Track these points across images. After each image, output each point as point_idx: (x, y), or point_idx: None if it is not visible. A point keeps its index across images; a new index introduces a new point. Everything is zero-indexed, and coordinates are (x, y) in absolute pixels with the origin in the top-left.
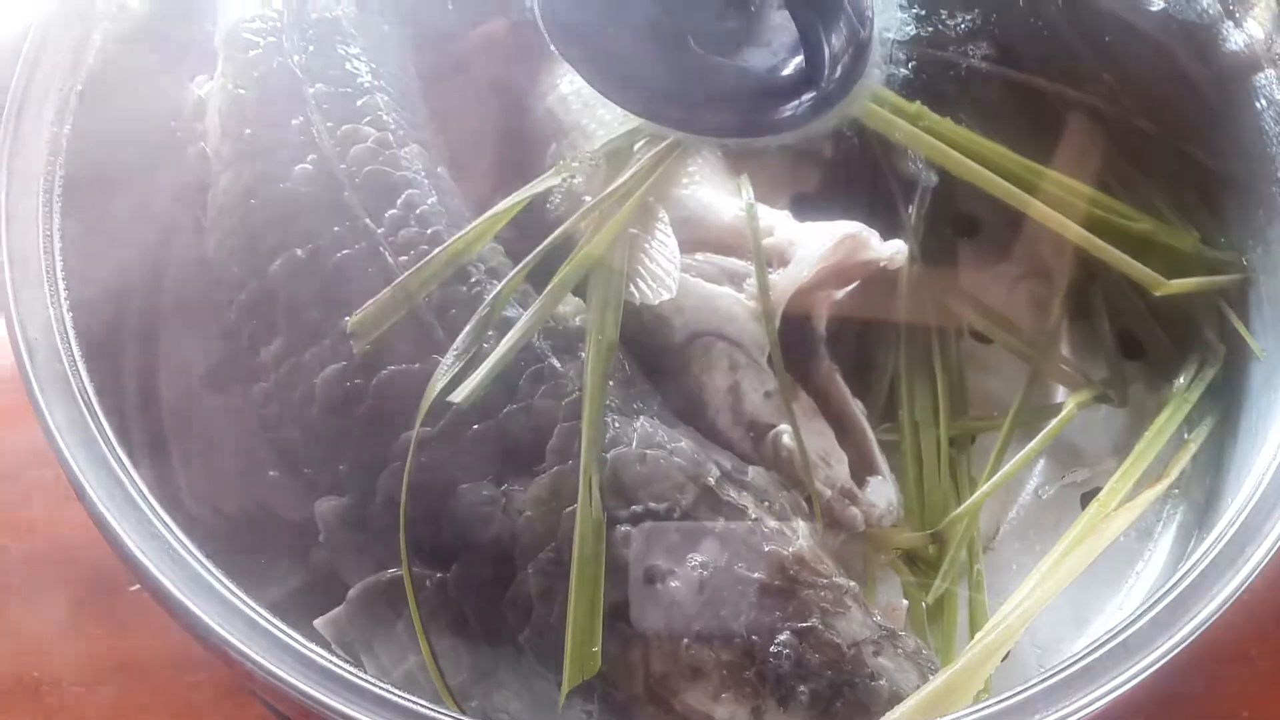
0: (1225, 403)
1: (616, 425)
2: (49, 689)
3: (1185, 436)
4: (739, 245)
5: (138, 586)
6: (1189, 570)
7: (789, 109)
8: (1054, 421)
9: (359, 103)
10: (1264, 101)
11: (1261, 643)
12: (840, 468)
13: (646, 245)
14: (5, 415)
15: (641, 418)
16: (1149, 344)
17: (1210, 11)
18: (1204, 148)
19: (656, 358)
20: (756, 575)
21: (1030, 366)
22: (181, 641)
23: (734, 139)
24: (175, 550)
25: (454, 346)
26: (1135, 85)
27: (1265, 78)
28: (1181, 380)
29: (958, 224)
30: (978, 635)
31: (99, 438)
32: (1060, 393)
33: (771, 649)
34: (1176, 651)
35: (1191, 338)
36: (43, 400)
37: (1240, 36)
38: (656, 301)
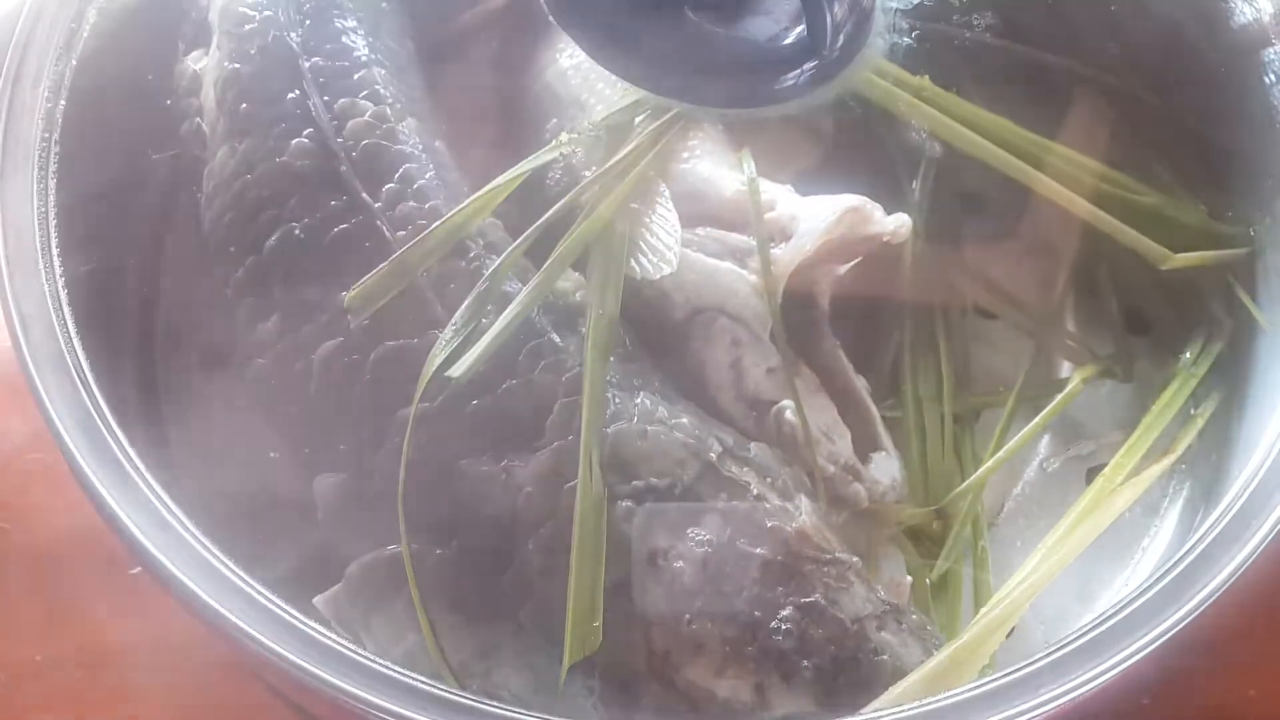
0: (1232, 377)
1: (617, 401)
2: (51, 672)
3: (1192, 412)
4: (741, 220)
5: (139, 569)
6: (1194, 545)
7: (790, 79)
8: (1059, 397)
9: (356, 76)
10: (1273, 76)
11: (1269, 621)
12: (843, 443)
13: (647, 220)
14: (2, 399)
15: (642, 393)
16: (1155, 318)
17: None
18: (1211, 122)
19: (658, 333)
20: (759, 551)
21: (1035, 342)
22: (184, 624)
23: (735, 109)
24: (174, 529)
25: (453, 321)
26: (1142, 58)
27: (1275, 52)
28: (1188, 355)
29: (962, 198)
30: (982, 610)
31: (96, 416)
32: (1066, 368)
33: (774, 625)
34: (1182, 626)
35: (1198, 312)
36: (39, 379)
37: (1249, 10)
38: (657, 276)
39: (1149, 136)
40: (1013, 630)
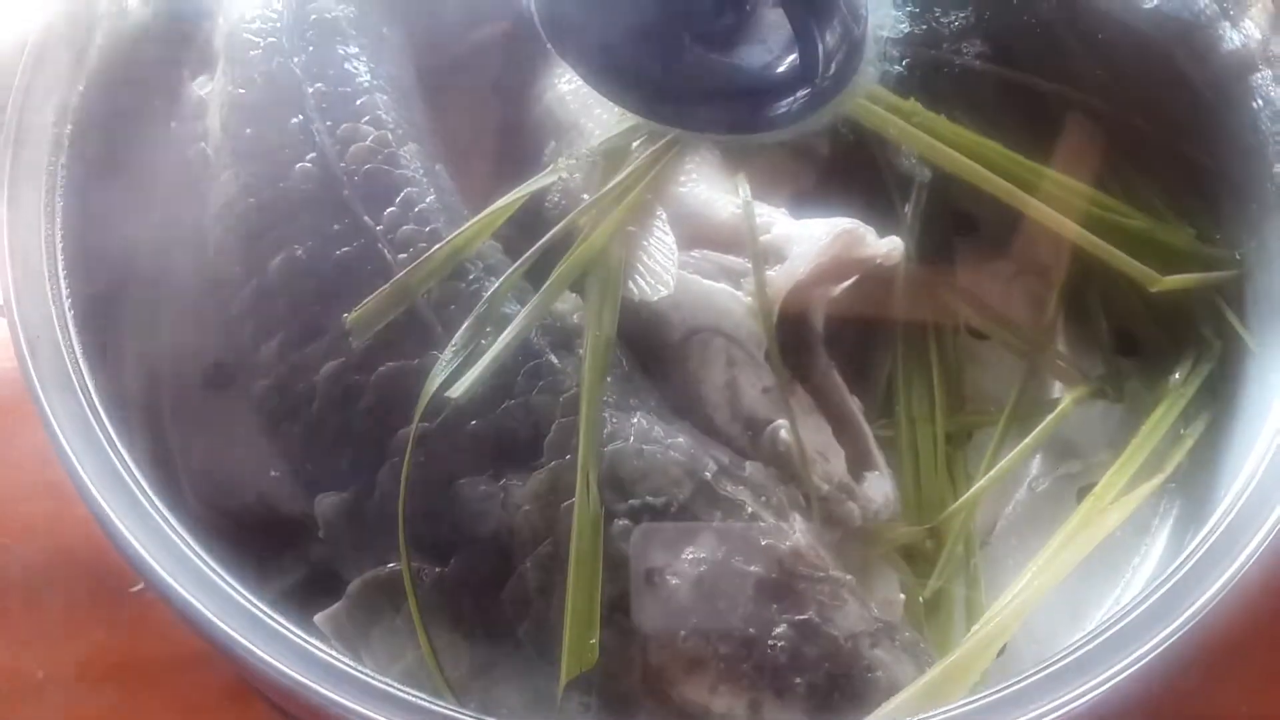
0: (1221, 398)
1: (614, 421)
2: (53, 689)
3: (1181, 432)
4: (736, 242)
5: (140, 587)
6: (1183, 562)
7: (784, 106)
8: (1050, 417)
9: (358, 102)
10: (1260, 101)
11: (1261, 639)
12: (837, 463)
13: (644, 242)
14: (6, 415)
15: (639, 413)
16: (1145, 340)
17: (1207, 11)
18: (1199, 146)
19: (654, 354)
20: (753, 569)
21: (1027, 362)
22: (184, 641)
23: (730, 135)
24: (176, 546)
25: (452, 342)
26: (1130, 83)
27: (1262, 78)
28: (1177, 375)
29: (954, 221)
30: (974, 627)
31: (100, 435)
32: (1057, 389)
33: (768, 641)
34: (1171, 643)
35: (1187, 333)
36: (44, 397)
37: (1237, 36)
38: (654, 298)
39: (1138, 160)
40: (1004, 648)
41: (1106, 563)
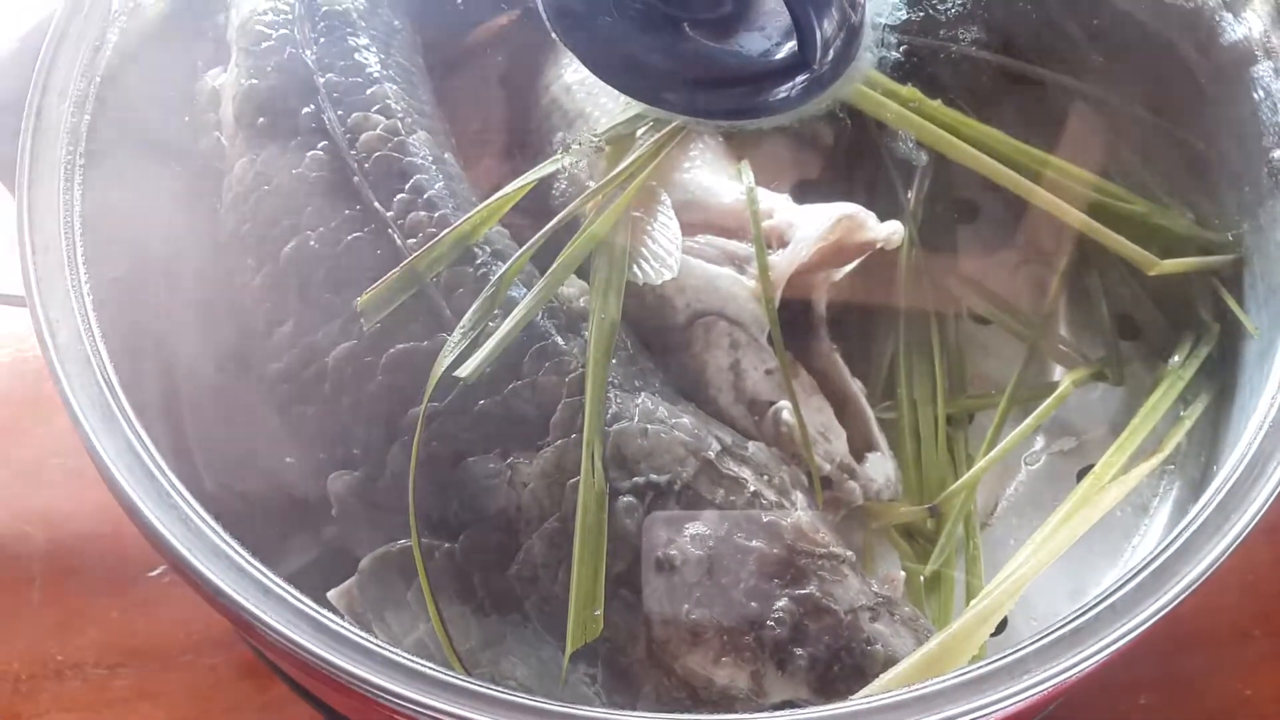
0: (1220, 380)
1: (619, 401)
2: (71, 672)
3: (1180, 413)
4: (740, 228)
5: (157, 571)
6: (1177, 535)
7: (782, 92)
8: (1050, 398)
9: (368, 92)
10: (1261, 93)
11: (1263, 622)
12: (839, 443)
13: (649, 227)
14: (29, 406)
15: (643, 394)
16: (1145, 323)
17: (1208, 2)
18: (1198, 133)
19: (659, 337)
20: (755, 544)
21: (1028, 346)
22: (201, 625)
23: (730, 121)
24: (195, 524)
25: (461, 325)
26: (1129, 72)
27: (1262, 69)
28: (1177, 358)
29: (956, 207)
30: (973, 602)
31: (121, 419)
32: (1058, 372)
33: (770, 615)
34: (1163, 614)
35: (1186, 316)
36: (66, 383)
37: (1239, 28)
38: (659, 282)
39: (1136, 145)
40: (1005, 627)
41: (1105, 542)
